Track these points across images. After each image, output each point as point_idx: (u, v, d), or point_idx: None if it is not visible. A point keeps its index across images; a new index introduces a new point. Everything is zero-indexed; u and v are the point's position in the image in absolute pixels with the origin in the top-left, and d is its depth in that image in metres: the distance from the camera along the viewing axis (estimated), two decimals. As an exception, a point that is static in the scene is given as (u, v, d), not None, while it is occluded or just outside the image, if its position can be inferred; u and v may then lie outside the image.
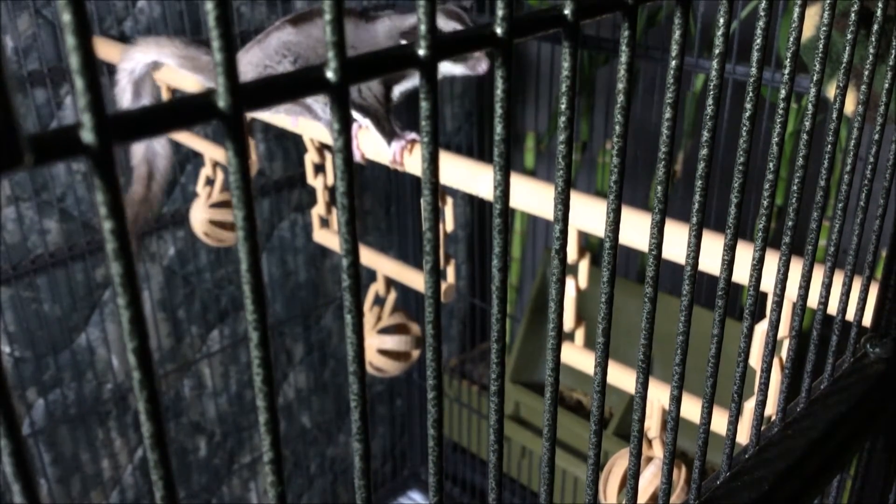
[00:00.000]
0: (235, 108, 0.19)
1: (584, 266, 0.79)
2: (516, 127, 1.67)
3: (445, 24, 0.86)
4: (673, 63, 0.30)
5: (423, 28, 0.22)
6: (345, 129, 0.21)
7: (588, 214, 0.73)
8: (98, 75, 0.17)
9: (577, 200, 0.72)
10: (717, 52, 0.32)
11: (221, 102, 0.18)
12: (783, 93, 0.36)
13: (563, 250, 0.28)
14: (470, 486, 1.93)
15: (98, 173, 0.17)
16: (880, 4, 0.41)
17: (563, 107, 0.27)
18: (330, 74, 0.20)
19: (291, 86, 0.20)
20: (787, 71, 0.35)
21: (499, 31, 0.24)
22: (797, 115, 1.27)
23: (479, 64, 0.86)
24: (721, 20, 0.32)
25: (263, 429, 0.22)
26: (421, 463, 2.04)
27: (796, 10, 0.35)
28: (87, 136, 0.17)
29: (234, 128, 0.19)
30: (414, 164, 0.86)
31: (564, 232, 0.28)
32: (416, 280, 0.96)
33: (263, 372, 0.21)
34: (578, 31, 0.26)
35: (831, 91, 0.91)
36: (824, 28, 0.37)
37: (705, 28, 1.33)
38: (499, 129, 0.25)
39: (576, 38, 0.26)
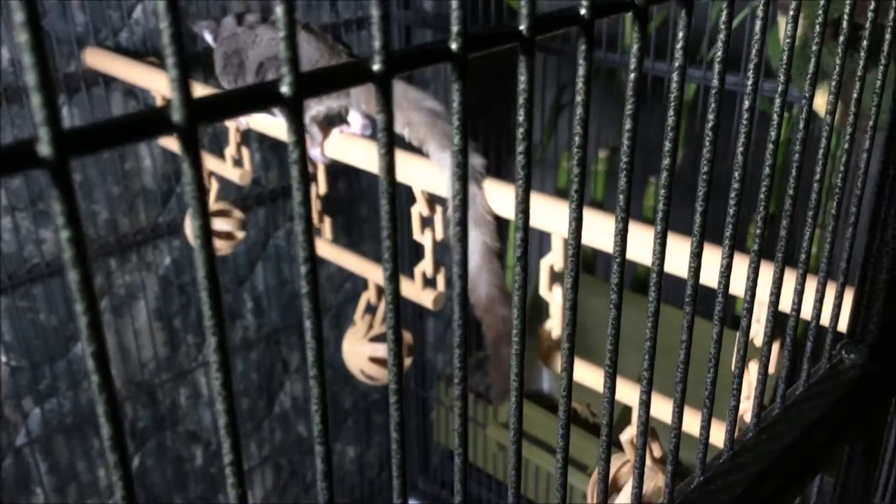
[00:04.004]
0: (190, 121, 0.19)
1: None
2: (511, 135, 1.68)
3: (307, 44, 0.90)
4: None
5: (377, 44, 0.23)
6: (300, 141, 0.22)
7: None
8: (55, 91, 0.17)
9: (563, 208, 0.73)
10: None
11: (176, 116, 0.19)
12: (746, 103, 0.37)
13: (524, 258, 0.29)
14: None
15: (55, 185, 0.18)
16: (870, 15, 0.42)
17: (521, 119, 0.28)
18: (284, 89, 0.21)
19: (246, 99, 0.21)
20: (749, 82, 0.36)
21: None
22: (788, 125, 1.28)
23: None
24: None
25: (224, 431, 0.23)
26: (418, 472, 2.04)
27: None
28: (44, 149, 0.18)
29: (188, 141, 0.20)
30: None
31: (525, 240, 0.29)
32: (408, 289, 0.97)
33: (223, 376, 0.22)
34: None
35: (820, 102, 0.92)
36: (787, 40, 0.37)
37: (695, 37, 1.34)
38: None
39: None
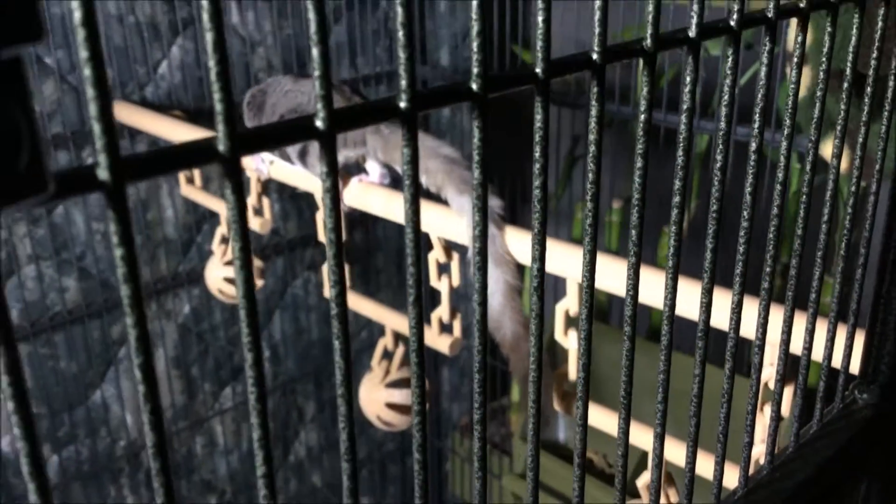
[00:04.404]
0: (233, 151, 0.21)
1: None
2: (524, 185, 1.70)
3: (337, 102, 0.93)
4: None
5: (403, 83, 0.24)
6: (332, 171, 0.23)
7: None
8: (113, 121, 0.19)
9: (577, 253, 0.74)
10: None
11: (221, 146, 0.21)
12: (753, 145, 0.38)
13: (540, 288, 0.31)
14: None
15: (112, 206, 0.20)
16: (873, 63, 0.44)
17: (538, 155, 0.29)
18: (319, 123, 0.23)
19: (284, 133, 0.23)
20: (756, 125, 0.38)
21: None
22: (799, 175, 1.30)
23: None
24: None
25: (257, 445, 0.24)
26: (432, 524, 2.03)
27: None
28: (103, 173, 0.19)
29: (232, 169, 0.21)
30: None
31: (541, 270, 0.30)
32: (424, 334, 0.98)
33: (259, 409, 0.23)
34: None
35: (827, 150, 0.94)
36: (792, 85, 0.39)
37: (706, 92, 1.37)
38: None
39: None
